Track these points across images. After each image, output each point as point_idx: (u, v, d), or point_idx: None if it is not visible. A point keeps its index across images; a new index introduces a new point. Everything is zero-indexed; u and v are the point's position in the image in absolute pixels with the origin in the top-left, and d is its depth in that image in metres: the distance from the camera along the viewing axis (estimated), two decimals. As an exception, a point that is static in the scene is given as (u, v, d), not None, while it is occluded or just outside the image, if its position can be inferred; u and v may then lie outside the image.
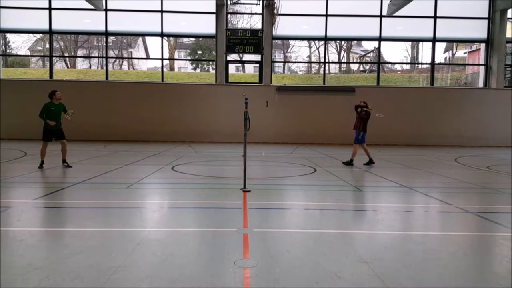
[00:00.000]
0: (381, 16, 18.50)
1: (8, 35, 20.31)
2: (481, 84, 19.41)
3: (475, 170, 10.13)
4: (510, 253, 3.56)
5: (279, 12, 17.35)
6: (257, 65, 19.08)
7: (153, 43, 21.02)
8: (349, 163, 9.78)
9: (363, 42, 23.30)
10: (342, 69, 22.75)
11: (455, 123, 18.58)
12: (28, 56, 22.33)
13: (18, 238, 3.76)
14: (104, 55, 18.99)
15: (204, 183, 7.27)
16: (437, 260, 3.34)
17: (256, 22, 19.19)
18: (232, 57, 18.79)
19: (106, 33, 18.47)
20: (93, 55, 22.61)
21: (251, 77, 20.32)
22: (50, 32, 18.42)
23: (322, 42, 19.29)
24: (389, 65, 22.95)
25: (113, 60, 21.63)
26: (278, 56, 22.62)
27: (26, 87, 17.90)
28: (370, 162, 9.79)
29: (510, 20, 18.99)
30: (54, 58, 19.66)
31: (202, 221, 4.67)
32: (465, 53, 22.96)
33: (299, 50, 23.98)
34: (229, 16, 18.98)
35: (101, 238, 3.87)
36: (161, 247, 3.56)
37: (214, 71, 19.07)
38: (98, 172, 8.05)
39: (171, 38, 20.54)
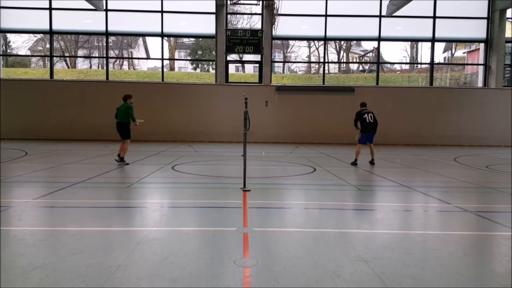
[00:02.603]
0: (380, 16, 18.52)
1: (8, 35, 20.32)
2: (480, 84, 19.42)
3: (474, 169, 10.14)
4: (510, 252, 3.57)
5: (279, 12, 17.37)
6: (257, 65, 19.09)
7: (153, 43, 21.05)
8: (353, 163, 9.83)
9: (363, 42, 23.33)
10: (342, 69, 22.76)
11: (454, 122, 18.60)
12: (28, 56, 22.35)
13: (18, 237, 3.77)
14: (105, 55, 19.01)
15: (204, 182, 7.28)
16: (436, 259, 3.35)
17: (256, 22, 19.22)
18: (232, 57, 18.81)
19: (107, 33, 18.48)
20: (93, 55, 22.61)
21: (251, 77, 20.33)
22: (51, 32, 18.43)
23: (322, 42, 19.31)
24: (388, 65, 22.96)
25: (113, 60, 21.64)
26: (277, 56, 22.63)
27: (26, 87, 17.91)
28: (371, 162, 9.84)
29: (509, 20, 19.02)
30: (54, 58, 19.66)
31: (202, 220, 4.68)
32: (464, 53, 22.98)
33: (299, 50, 24.02)
34: (229, 16, 19.00)
35: (102, 237, 3.88)
36: (161, 246, 3.57)
37: (214, 71, 19.09)
38: (98, 171, 8.07)
39: (171, 38, 20.56)
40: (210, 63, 21.31)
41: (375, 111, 10.10)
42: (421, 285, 2.84)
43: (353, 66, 23.75)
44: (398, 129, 18.36)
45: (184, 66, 23.96)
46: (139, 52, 23.80)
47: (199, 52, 23.10)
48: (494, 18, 18.59)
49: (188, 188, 6.75)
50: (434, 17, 18.67)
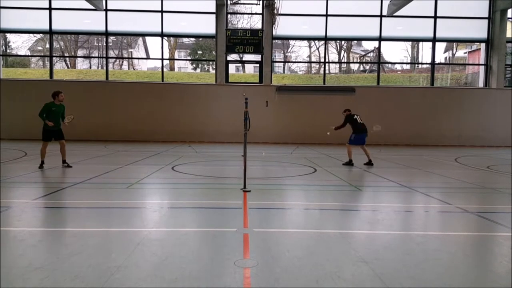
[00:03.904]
0: (381, 16, 18.50)
1: (8, 35, 20.32)
2: (481, 84, 19.41)
3: (475, 170, 10.13)
4: (510, 253, 3.56)
5: (279, 12, 17.35)
6: (257, 65, 19.08)
7: (153, 43, 21.04)
8: (349, 163, 9.81)
9: (363, 42, 23.31)
10: (342, 69, 22.75)
11: (455, 123, 18.58)
12: (28, 56, 22.34)
13: (18, 238, 3.77)
14: (104, 55, 19.00)
15: (204, 183, 7.27)
16: (437, 260, 3.34)
17: (256, 22, 19.20)
18: (232, 57, 18.80)
19: (106, 33, 18.48)
20: (93, 55, 22.61)
21: (251, 77, 20.32)
22: (50, 32, 18.43)
23: (322, 42, 19.29)
24: (389, 65, 22.95)
25: (113, 60, 21.64)
26: (278, 56, 22.63)
27: (26, 87, 17.92)
28: (369, 163, 9.78)
29: (510, 20, 18.99)
30: (54, 58, 19.67)
31: (202, 221, 4.68)
32: (465, 53, 22.96)
33: (299, 50, 24.02)
34: (229, 16, 18.99)
35: (101, 238, 3.87)
36: (161, 247, 3.56)
37: (214, 71, 19.08)
38: (98, 172, 8.05)
39: (171, 38, 20.56)
40: (210, 63, 21.30)
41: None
42: (421, 286, 2.83)
43: (354, 66, 23.74)
44: (398, 129, 18.34)
45: (184, 66, 23.95)
46: (139, 52, 23.79)
47: (199, 52, 23.09)
48: (495, 18, 18.57)
49: (188, 189, 6.74)
50: (435, 17, 18.65)
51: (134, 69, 22.61)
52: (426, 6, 18.39)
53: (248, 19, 19.51)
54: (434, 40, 18.86)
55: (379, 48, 19.43)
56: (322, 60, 19.65)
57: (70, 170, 8.36)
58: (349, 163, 9.80)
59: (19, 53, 22.12)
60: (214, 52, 18.97)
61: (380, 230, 4.35)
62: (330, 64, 21.69)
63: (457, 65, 22.82)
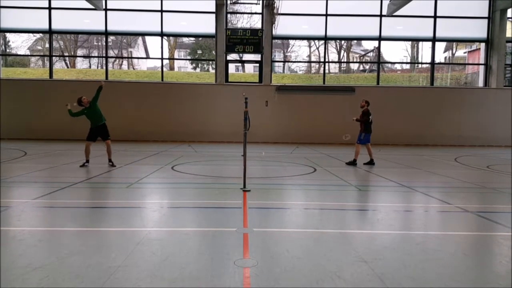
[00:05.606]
0: (381, 15, 18.50)
1: (8, 34, 20.30)
2: (481, 83, 19.41)
3: (475, 169, 10.13)
4: (510, 253, 3.56)
5: (279, 12, 17.35)
6: (257, 64, 19.08)
7: (153, 43, 21.03)
8: (352, 163, 9.80)
9: (363, 42, 23.29)
10: (342, 68, 22.74)
11: (455, 123, 18.59)
12: (28, 55, 22.32)
13: (18, 238, 3.76)
14: (104, 55, 18.99)
15: (204, 182, 7.27)
16: (437, 260, 3.34)
17: (256, 22, 19.20)
18: (232, 56, 18.79)
19: (106, 33, 18.47)
20: (93, 55, 22.59)
21: (251, 76, 20.31)
22: (50, 32, 18.42)
23: (322, 41, 19.29)
24: (389, 65, 22.93)
25: (113, 59, 21.62)
26: (278, 55, 22.60)
27: (26, 87, 17.90)
28: (371, 163, 9.79)
29: (510, 19, 19.00)
30: (54, 57, 19.65)
31: (202, 220, 4.67)
32: (465, 52, 22.95)
33: (299, 50, 24.00)
34: (229, 15, 18.98)
35: (101, 238, 3.87)
36: (161, 247, 3.56)
37: (214, 71, 19.08)
38: (98, 171, 8.05)
39: (171, 37, 20.54)
40: (210, 62, 21.29)
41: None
42: (421, 286, 2.83)
43: (354, 66, 23.73)
44: (398, 129, 18.35)
45: (184, 66, 23.93)
46: (138, 51, 23.77)
47: (199, 52, 23.08)
48: (494, 17, 18.58)
49: (188, 189, 6.74)
50: (435, 17, 18.66)
51: (134, 68, 22.59)
52: (426, 5, 18.39)
53: (248, 18, 19.52)
54: (434, 39, 18.86)
55: (379, 48, 19.43)
56: (322, 59, 19.65)
57: (70, 170, 8.35)
58: (353, 163, 9.78)
59: (19, 53, 22.09)
60: (214, 52, 18.96)
61: (380, 230, 4.35)
62: (330, 64, 21.68)
63: (457, 65, 22.81)
